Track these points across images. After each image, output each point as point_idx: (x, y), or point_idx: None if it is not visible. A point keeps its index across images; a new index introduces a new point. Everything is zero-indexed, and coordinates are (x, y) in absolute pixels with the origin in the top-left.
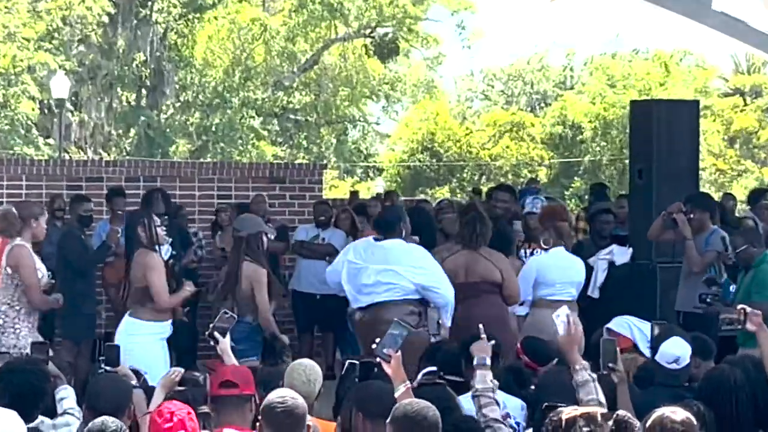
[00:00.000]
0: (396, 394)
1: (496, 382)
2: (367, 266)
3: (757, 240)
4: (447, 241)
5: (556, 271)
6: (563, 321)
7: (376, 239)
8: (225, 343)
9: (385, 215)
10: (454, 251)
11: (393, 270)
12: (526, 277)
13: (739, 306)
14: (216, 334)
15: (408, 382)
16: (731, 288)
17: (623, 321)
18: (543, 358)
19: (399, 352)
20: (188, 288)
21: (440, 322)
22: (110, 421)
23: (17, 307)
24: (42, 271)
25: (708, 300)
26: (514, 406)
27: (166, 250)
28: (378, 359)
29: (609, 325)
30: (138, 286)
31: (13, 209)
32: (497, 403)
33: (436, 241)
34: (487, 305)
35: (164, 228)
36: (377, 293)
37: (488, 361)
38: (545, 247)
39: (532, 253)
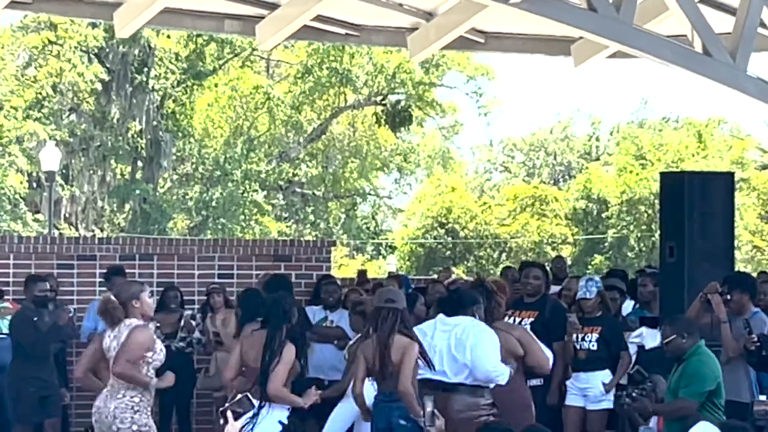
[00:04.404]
0: None
1: None
2: None
3: (689, 329)
4: None
5: None
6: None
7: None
8: (235, 427)
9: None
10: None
11: None
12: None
13: None
14: (229, 414)
15: None
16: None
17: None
18: None
19: None
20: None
21: (435, 412)
22: None
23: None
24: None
25: (634, 395)
26: None
27: None
28: None
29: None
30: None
31: (111, 297)
32: None
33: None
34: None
35: None
36: None
37: None
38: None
39: (583, 339)
